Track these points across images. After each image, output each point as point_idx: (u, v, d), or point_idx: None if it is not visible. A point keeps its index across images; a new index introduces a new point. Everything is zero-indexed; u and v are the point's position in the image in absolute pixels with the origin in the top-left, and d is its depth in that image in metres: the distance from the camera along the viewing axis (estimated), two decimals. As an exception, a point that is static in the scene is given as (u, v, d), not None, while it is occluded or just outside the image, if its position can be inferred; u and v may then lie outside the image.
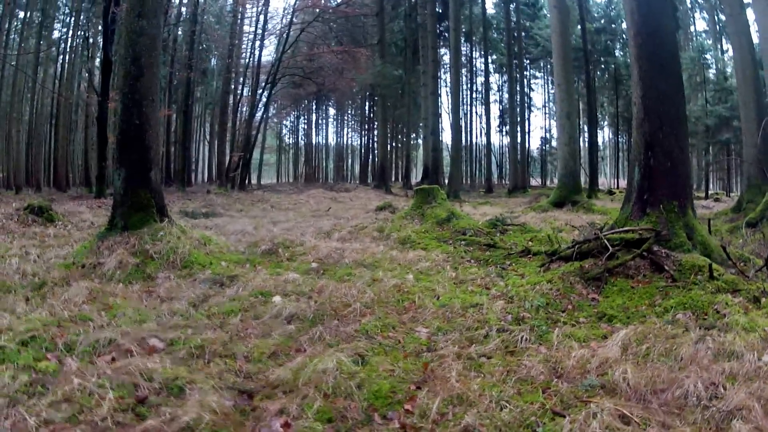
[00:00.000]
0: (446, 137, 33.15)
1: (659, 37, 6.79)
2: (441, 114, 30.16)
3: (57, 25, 28.79)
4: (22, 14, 25.30)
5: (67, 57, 27.82)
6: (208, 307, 4.27)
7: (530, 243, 7.42)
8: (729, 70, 32.94)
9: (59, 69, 28.68)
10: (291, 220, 11.19)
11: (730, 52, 33.18)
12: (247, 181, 29.40)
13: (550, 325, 3.94)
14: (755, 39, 15.03)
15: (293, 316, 4.02)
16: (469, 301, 4.47)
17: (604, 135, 48.26)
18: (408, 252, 6.67)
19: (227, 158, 29.33)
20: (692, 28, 34.99)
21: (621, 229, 5.51)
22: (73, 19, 27.05)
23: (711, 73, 31.87)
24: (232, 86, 32.16)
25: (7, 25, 23.31)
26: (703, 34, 36.00)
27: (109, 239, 5.84)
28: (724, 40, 33.33)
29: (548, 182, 45.40)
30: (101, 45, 21.04)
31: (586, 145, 32.26)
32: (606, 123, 45.30)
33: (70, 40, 27.47)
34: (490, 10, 38.36)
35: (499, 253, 6.66)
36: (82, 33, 26.86)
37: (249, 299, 4.44)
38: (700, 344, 3.30)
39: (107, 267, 5.25)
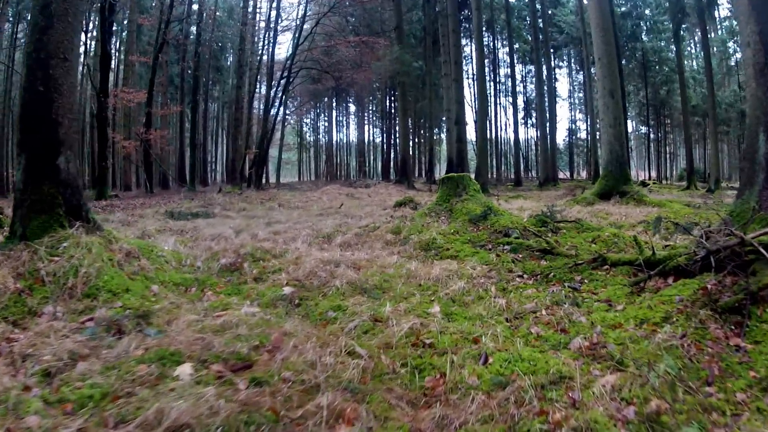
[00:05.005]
0: (469, 130, 31.29)
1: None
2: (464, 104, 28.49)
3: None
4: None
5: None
6: (59, 385, 2.37)
7: (593, 245, 5.53)
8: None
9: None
10: (292, 220, 9.34)
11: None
12: (264, 179, 27.84)
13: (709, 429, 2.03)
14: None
15: (190, 429, 1.96)
16: (542, 366, 2.53)
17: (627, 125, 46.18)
18: (433, 264, 4.74)
19: (240, 155, 28.03)
20: (716, 14, 33.46)
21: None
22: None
23: (740, 56, 30.27)
24: (246, 81, 30.78)
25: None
26: (726, 21, 35.59)
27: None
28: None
29: (575, 175, 43.39)
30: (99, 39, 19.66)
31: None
32: (633, 113, 43.02)
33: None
34: (511, -3, 36.65)
35: (561, 262, 4.72)
36: (83, 29, 25.68)
37: (136, 370, 2.49)
38: None
39: (-25, 297, 3.40)
